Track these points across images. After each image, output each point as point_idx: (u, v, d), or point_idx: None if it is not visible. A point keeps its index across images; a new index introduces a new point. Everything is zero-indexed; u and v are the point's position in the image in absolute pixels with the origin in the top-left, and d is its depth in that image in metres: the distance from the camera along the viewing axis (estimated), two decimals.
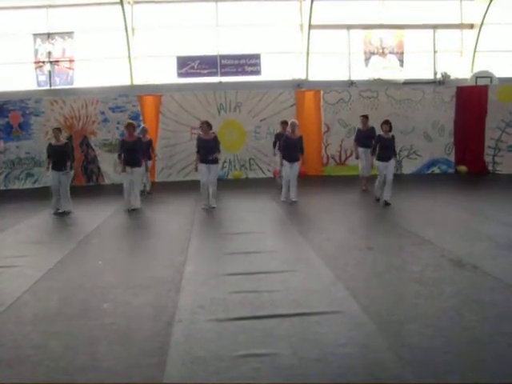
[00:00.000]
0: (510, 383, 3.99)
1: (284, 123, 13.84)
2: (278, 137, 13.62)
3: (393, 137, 12.12)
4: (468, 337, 4.81)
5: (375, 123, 17.65)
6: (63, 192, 11.85)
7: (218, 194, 12.50)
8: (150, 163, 14.53)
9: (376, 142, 12.14)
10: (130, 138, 11.93)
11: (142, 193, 13.19)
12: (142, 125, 15.40)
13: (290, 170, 12.32)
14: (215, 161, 11.84)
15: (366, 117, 14.72)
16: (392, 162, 11.98)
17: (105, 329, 5.18)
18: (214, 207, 11.82)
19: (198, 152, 11.89)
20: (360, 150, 14.25)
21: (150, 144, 14.65)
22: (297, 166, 12.37)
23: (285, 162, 12.45)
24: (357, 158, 14.55)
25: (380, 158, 11.95)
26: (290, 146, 12.33)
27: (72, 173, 12.25)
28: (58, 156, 11.83)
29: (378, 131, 12.64)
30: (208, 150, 11.67)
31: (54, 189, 11.91)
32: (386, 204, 11.66)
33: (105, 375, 4.21)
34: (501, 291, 6.02)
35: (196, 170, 12.06)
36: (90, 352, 4.65)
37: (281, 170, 13.37)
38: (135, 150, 11.87)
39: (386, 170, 11.79)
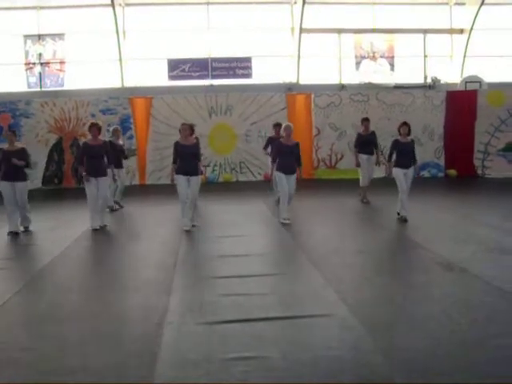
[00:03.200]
0: None
1: (277, 126, 12.83)
2: (271, 141, 12.59)
3: (412, 141, 10.85)
4: (457, 339, 4.84)
5: None
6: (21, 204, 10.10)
7: (208, 198, 12.48)
8: (121, 172, 12.56)
9: (393, 147, 10.73)
10: (93, 142, 10.34)
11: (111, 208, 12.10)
12: (115, 126, 13.95)
13: (287, 184, 10.31)
14: (196, 172, 9.96)
15: (367, 120, 13.28)
16: (412, 170, 10.63)
17: (95, 331, 5.16)
18: (195, 225, 10.11)
19: (174, 162, 9.98)
20: (363, 157, 12.92)
21: (121, 149, 12.67)
22: (293, 179, 10.41)
23: (279, 174, 10.38)
24: (358, 165, 13.08)
25: (400, 165, 10.53)
26: (284, 153, 10.34)
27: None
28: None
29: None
30: (188, 158, 9.85)
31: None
32: (405, 220, 10.34)
33: (95, 377, 4.20)
34: (489, 294, 6.05)
35: (171, 181, 10.17)
36: (79, 354, 4.64)
37: (275, 184, 12.21)
38: (101, 156, 10.26)
39: (406, 177, 10.47)
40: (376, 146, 13.02)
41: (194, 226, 10.02)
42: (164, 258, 8.07)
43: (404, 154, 10.53)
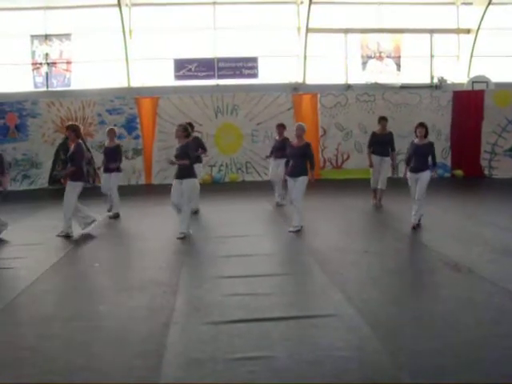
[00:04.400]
0: None
1: (280, 127, 12.81)
2: (275, 144, 12.66)
3: (430, 143, 10.09)
4: (463, 339, 4.82)
5: (372, 127, 17.79)
6: None
7: (214, 197, 12.49)
8: (118, 176, 11.95)
9: (411, 150, 10.09)
10: (70, 144, 10.12)
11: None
12: (111, 126, 13.46)
13: (293, 187, 9.83)
14: (187, 175, 9.38)
15: (385, 119, 12.76)
16: (426, 174, 9.86)
17: (100, 331, 5.17)
18: (182, 234, 9.36)
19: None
20: (376, 158, 12.41)
21: (116, 150, 11.87)
22: (300, 182, 9.72)
23: (287, 178, 10.02)
24: (371, 166, 12.52)
25: (411, 169, 10.02)
26: (291, 155, 9.89)
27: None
28: None
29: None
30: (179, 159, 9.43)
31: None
32: (414, 228, 9.72)
33: (100, 377, 4.20)
34: (496, 295, 6.03)
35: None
36: (85, 354, 4.65)
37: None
38: (72, 160, 9.88)
39: (418, 182, 9.82)
40: (393, 147, 12.55)
41: (181, 234, 9.35)
42: (169, 257, 8.07)
43: (416, 157, 9.91)
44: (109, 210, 11.67)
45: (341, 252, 8.34)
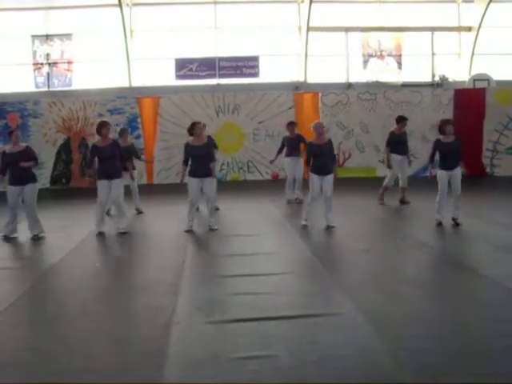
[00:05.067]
0: None
1: (291, 124, 13.03)
2: (285, 140, 12.93)
3: (457, 139, 9.97)
4: (466, 339, 4.82)
5: (373, 126, 17.82)
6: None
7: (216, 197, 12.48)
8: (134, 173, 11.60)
9: (435, 148, 10.01)
10: (103, 143, 9.79)
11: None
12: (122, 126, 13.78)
13: (322, 186, 9.77)
14: (209, 173, 9.78)
15: (406, 119, 12.69)
16: (458, 170, 9.86)
17: (102, 331, 5.17)
18: (213, 229, 9.79)
19: (184, 162, 9.87)
20: (397, 157, 12.25)
21: (131, 150, 11.82)
22: (329, 180, 9.76)
23: (312, 176, 9.80)
24: (389, 167, 12.38)
25: (444, 167, 9.81)
26: (316, 154, 9.75)
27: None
28: None
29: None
30: (200, 159, 9.71)
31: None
32: (457, 224, 9.71)
33: (103, 377, 4.20)
34: (499, 293, 6.02)
35: (181, 181, 10.05)
36: (87, 354, 4.64)
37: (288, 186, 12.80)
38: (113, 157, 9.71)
39: (453, 180, 9.80)
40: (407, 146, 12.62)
41: (212, 229, 9.75)
42: (172, 257, 8.07)
43: (449, 154, 9.74)
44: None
45: (343, 251, 8.35)
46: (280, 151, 13.12)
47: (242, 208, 12.23)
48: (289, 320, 5.26)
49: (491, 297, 5.95)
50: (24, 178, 9.44)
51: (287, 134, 13.02)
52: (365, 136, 17.83)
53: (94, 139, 17.18)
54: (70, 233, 9.86)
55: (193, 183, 9.71)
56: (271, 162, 13.46)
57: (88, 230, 10.06)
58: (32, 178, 9.57)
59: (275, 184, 16.47)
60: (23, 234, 9.66)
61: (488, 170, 17.82)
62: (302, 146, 12.56)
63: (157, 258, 8.27)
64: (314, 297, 6.06)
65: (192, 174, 9.69)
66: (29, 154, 9.53)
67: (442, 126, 9.89)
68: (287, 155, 12.85)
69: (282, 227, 10.14)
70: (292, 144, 12.72)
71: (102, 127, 9.68)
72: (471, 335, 4.90)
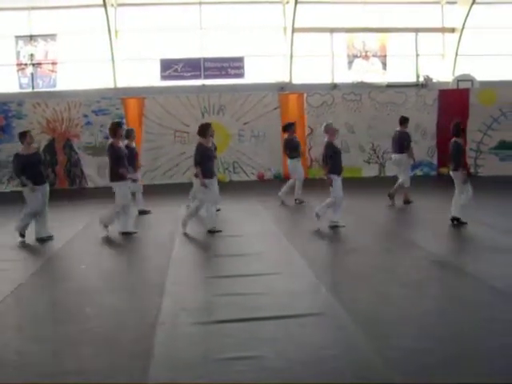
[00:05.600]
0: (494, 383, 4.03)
1: (288, 126, 13.21)
2: (286, 143, 13.07)
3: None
4: (452, 337, 4.86)
5: (358, 126, 17.91)
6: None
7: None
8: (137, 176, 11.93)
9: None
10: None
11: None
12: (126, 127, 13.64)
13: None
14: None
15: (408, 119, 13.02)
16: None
17: (89, 332, 5.15)
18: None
19: (199, 164, 9.59)
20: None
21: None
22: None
23: (335, 177, 9.85)
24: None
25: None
26: (337, 154, 10.04)
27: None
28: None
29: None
30: (212, 160, 10.04)
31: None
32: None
33: (89, 379, 4.19)
34: (484, 292, 6.09)
35: (203, 185, 9.51)
36: (73, 356, 4.63)
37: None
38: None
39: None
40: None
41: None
42: (158, 258, 8.05)
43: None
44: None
45: (329, 251, 8.38)
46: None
47: (227, 209, 12.19)
48: (276, 320, 5.27)
49: (476, 295, 6.01)
50: (43, 177, 9.64)
51: (288, 136, 13.17)
52: (350, 136, 17.87)
53: (79, 140, 17.31)
54: (55, 235, 9.78)
55: (212, 184, 9.75)
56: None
57: (74, 231, 10.02)
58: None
59: (261, 184, 16.51)
60: (8, 237, 9.59)
61: (472, 170, 17.93)
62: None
63: (143, 259, 8.26)
64: (302, 297, 6.08)
65: (210, 174, 9.69)
66: (40, 155, 9.96)
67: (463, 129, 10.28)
68: (291, 157, 12.96)
69: (268, 228, 10.14)
70: (291, 146, 12.87)
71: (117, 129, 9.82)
72: (458, 334, 4.94)
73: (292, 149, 12.91)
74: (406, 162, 12.46)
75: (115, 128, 9.80)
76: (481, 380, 4.05)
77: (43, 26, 19.10)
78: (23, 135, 9.63)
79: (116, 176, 9.56)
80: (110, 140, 9.89)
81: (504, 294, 5.93)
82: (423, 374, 4.14)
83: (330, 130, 10.10)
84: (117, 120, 10.96)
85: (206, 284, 6.63)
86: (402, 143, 12.44)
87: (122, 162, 9.66)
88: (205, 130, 9.86)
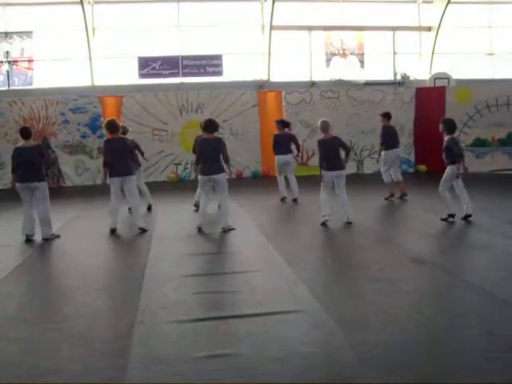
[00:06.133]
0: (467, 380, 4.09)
1: (280, 123, 13.06)
2: (275, 138, 12.89)
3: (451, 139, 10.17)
4: (427, 333, 4.92)
5: (336, 124, 17.98)
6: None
7: (180, 196, 12.42)
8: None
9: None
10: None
11: None
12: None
13: (334, 182, 9.94)
14: (220, 169, 9.58)
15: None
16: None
17: (65, 332, 5.12)
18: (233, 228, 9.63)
19: (197, 161, 9.75)
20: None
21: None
22: (340, 176, 9.91)
23: (324, 173, 9.88)
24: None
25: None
26: (326, 149, 9.92)
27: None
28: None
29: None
30: (210, 155, 9.56)
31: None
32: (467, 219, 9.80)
33: (66, 379, 4.17)
34: (458, 287, 6.17)
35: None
36: (50, 356, 4.61)
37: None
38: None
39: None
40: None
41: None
42: (135, 257, 8.03)
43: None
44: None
45: (307, 248, 8.41)
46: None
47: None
48: (252, 318, 5.29)
49: (451, 291, 6.07)
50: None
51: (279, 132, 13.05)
52: None
53: (56, 139, 17.17)
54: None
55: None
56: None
57: (53, 230, 9.93)
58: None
59: (240, 182, 16.51)
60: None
61: None
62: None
63: (120, 258, 8.23)
64: (278, 294, 6.10)
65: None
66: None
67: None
68: (278, 153, 12.86)
69: (246, 226, 10.14)
70: (281, 142, 12.78)
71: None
72: (432, 329, 4.99)
73: (283, 146, 12.80)
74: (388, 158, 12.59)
75: (115, 123, 9.94)
76: (453, 375, 4.11)
77: (19, 23, 18.93)
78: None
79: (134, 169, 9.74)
80: (116, 134, 9.83)
81: (479, 289, 6.01)
82: (398, 370, 4.18)
83: (324, 126, 10.14)
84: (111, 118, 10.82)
85: (183, 282, 6.63)
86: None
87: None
88: (210, 125, 9.78)
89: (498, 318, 5.16)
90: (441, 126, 10.27)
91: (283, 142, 12.74)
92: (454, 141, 10.13)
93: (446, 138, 10.09)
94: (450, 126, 10.17)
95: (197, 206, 11.08)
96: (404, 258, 7.56)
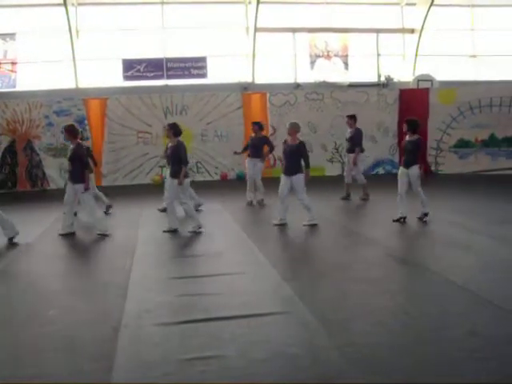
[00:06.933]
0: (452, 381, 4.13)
1: (256, 125, 13.11)
2: (250, 140, 13.12)
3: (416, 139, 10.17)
4: (412, 333, 4.96)
5: (321, 126, 18.07)
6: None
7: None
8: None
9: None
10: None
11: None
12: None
13: (285, 185, 9.97)
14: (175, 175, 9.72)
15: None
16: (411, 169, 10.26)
17: (50, 336, 5.10)
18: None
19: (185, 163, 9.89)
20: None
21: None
22: (296, 180, 9.81)
23: (281, 176, 10.13)
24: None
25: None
26: (285, 153, 10.04)
27: None
28: None
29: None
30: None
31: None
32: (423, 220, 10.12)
33: (51, 382, 4.16)
34: (442, 287, 6.22)
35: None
36: (35, 359, 4.59)
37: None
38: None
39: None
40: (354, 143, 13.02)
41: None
42: (120, 259, 8.00)
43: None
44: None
45: (292, 249, 8.44)
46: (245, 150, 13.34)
47: None
48: (238, 320, 5.30)
49: (435, 291, 6.13)
50: None
51: (252, 134, 13.18)
52: (313, 136, 17.99)
53: (40, 141, 17.06)
54: (16, 237, 9.63)
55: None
56: (236, 153, 13.65)
57: (35, 234, 9.89)
58: None
59: (224, 184, 16.53)
60: None
61: (432, 167, 18.25)
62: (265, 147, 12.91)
63: (105, 261, 8.20)
64: (263, 296, 6.11)
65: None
66: None
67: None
68: (251, 156, 12.94)
69: (231, 228, 10.16)
70: (253, 144, 12.87)
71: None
72: (417, 329, 5.04)
73: (254, 148, 12.88)
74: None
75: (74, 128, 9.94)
76: (438, 375, 4.14)
77: (2, 25, 18.75)
78: None
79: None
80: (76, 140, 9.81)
81: (463, 289, 6.06)
82: (383, 371, 4.21)
83: (290, 129, 10.07)
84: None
85: (168, 285, 6.62)
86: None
87: None
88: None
89: (483, 318, 5.21)
90: (405, 126, 10.27)
91: (255, 145, 12.84)
92: (419, 141, 10.26)
93: (413, 137, 10.11)
94: (415, 126, 10.18)
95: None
96: (389, 259, 7.61)
